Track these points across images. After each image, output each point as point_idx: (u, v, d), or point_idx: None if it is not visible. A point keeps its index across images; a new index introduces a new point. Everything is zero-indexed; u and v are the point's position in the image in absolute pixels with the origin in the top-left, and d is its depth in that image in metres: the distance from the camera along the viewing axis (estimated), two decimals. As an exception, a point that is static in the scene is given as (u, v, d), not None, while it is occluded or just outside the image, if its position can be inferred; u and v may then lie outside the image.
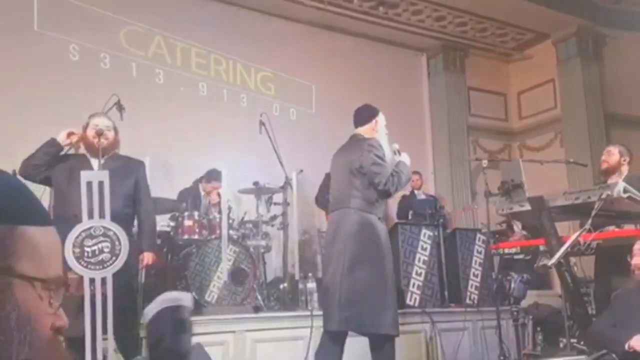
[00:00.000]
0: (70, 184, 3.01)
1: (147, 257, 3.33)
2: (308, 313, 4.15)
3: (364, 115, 3.53)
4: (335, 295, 3.12)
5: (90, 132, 3.20)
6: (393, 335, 3.15)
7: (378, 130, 3.46)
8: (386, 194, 3.25)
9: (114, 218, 2.96)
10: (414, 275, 4.94)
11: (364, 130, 3.46)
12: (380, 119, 3.51)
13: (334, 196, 3.44)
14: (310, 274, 4.77)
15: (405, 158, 3.41)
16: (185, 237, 4.55)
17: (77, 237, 2.63)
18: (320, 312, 4.15)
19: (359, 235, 3.14)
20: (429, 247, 4.93)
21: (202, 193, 5.47)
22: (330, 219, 3.42)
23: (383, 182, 3.14)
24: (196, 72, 6.44)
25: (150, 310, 1.82)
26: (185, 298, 1.93)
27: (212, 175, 5.38)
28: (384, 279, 3.14)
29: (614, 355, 2.51)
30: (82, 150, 3.28)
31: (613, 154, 4.03)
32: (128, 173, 3.27)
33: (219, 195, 5.28)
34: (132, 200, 3.27)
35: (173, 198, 5.15)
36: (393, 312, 3.15)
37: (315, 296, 4.45)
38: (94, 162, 3.18)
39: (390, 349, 3.17)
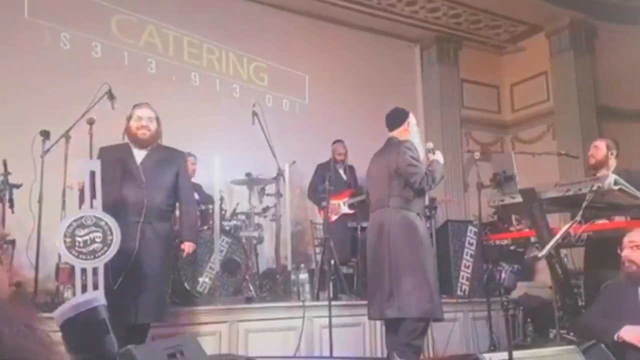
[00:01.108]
0: (123, 175, 3.06)
1: (188, 247, 3.37)
2: (300, 304, 4.17)
3: (396, 118, 3.77)
4: (384, 288, 3.43)
5: (134, 124, 3.22)
6: (426, 318, 3.44)
7: (410, 131, 3.70)
8: (422, 192, 3.57)
9: (157, 209, 3.03)
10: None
11: (398, 133, 3.71)
12: (412, 120, 3.76)
13: (374, 196, 3.76)
14: (302, 265, 4.78)
15: (439, 156, 3.65)
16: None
17: (68, 226, 2.62)
18: (312, 303, 4.24)
19: (402, 232, 3.45)
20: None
21: None
22: (372, 217, 3.70)
23: (418, 181, 3.43)
24: (188, 61, 6.39)
25: (61, 315, 1.79)
26: (97, 297, 1.91)
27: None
28: (423, 269, 3.42)
29: (602, 346, 2.53)
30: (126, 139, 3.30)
31: (600, 149, 4.05)
32: (170, 164, 3.29)
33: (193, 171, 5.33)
34: (174, 192, 3.30)
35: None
36: (428, 296, 3.39)
37: (307, 287, 4.46)
38: (137, 153, 3.21)
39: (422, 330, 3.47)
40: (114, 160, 3.09)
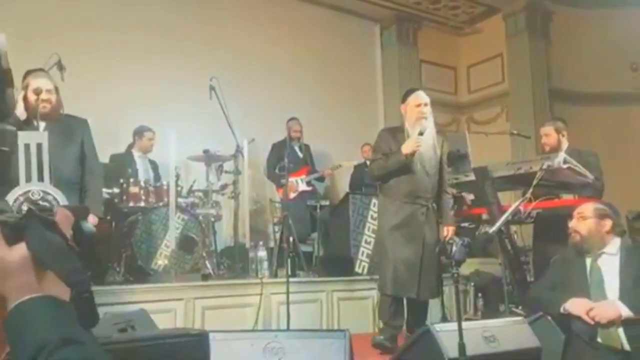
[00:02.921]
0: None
1: (92, 219, 3.22)
2: (258, 281, 4.17)
3: (403, 96, 3.78)
4: None
5: (32, 96, 3.02)
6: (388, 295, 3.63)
7: (408, 111, 3.67)
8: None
9: (65, 182, 2.86)
10: (363, 243, 5.02)
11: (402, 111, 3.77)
12: (412, 99, 3.69)
13: None
14: (261, 243, 4.77)
15: (425, 138, 3.59)
16: (131, 204, 4.44)
17: (14, 201, 2.51)
18: (270, 280, 4.25)
19: (377, 215, 3.83)
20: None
21: (137, 154, 5.30)
22: None
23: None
24: (144, 32, 6.18)
25: None
26: None
27: (143, 128, 5.28)
28: (385, 248, 3.66)
29: (549, 318, 2.63)
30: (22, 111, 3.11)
31: (550, 135, 4.12)
32: (73, 134, 3.12)
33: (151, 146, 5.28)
34: (80, 163, 3.15)
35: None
36: (388, 273, 3.59)
37: (266, 265, 4.46)
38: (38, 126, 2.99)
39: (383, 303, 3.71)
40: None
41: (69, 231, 0.69)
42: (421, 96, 3.68)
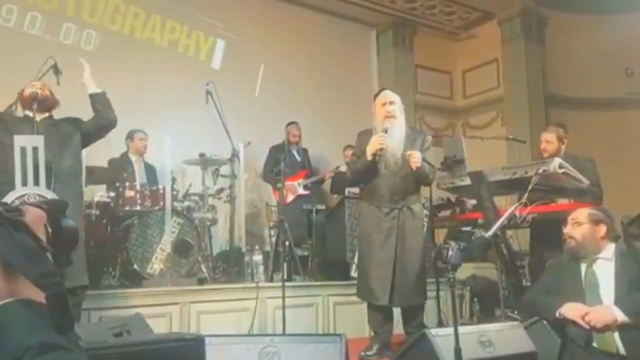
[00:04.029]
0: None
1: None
2: (254, 285, 4.16)
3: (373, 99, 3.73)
4: None
5: (27, 90, 3.05)
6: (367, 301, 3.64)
7: (376, 111, 3.59)
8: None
9: (64, 185, 2.86)
10: (359, 248, 5.01)
11: None
12: (378, 99, 3.61)
13: None
14: (257, 247, 4.76)
15: (390, 136, 3.48)
16: (127, 208, 4.43)
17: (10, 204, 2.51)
18: (266, 284, 4.25)
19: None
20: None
21: (134, 158, 5.29)
22: None
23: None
24: (141, 37, 6.18)
25: None
26: None
27: (133, 131, 5.27)
28: (362, 256, 3.62)
29: (544, 322, 2.64)
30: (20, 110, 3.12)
31: (552, 143, 4.11)
32: (70, 134, 3.12)
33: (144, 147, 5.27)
34: (80, 163, 3.16)
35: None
36: (363, 281, 3.60)
37: (262, 269, 4.45)
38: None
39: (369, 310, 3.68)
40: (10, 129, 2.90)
41: (41, 230, 0.66)
42: (386, 95, 3.58)
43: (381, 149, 3.39)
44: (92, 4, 5.98)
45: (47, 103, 3.08)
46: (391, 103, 3.53)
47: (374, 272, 3.45)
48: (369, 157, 3.42)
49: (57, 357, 0.55)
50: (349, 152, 6.04)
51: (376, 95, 3.69)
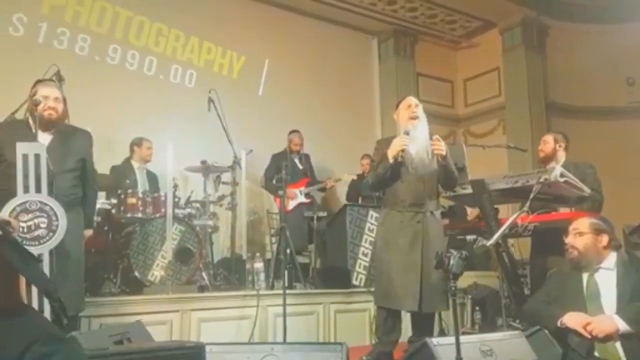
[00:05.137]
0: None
1: (87, 233, 3.21)
2: (255, 292, 4.15)
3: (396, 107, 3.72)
4: None
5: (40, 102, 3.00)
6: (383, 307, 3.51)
7: (400, 116, 3.60)
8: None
9: (63, 193, 2.84)
10: (360, 255, 5.01)
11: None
12: (402, 104, 3.64)
13: None
14: (257, 254, 4.76)
15: (414, 138, 3.45)
16: (128, 215, 4.43)
17: (11, 211, 2.51)
18: (267, 292, 4.23)
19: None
20: (375, 228, 5.00)
21: (136, 165, 5.30)
22: None
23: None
24: (144, 46, 6.22)
25: None
26: None
27: (141, 138, 5.30)
28: (381, 262, 3.55)
29: (546, 331, 2.62)
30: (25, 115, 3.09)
31: (548, 143, 4.17)
32: (75, 144, 3.09)
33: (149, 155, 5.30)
34: (80, 173, 3.10)
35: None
36: (381, 287, 3.52)
37: (262, 276, 4.45)
38: (41, 136, 2.91)
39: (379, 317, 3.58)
40: (13, 141, 2.76)
41: None
42: (411, 99, 3.62)
43: (403, 150, 3.37)
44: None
45: (56, 124, 3.06)
46: (417, 105, 3.58)
47: (400, 277, 3.36)
48: (391, 160, 3.40)
49: (61, 347, 0.58)
50: (366, 161, 6.07)
51: (398, 103, 3.69)
